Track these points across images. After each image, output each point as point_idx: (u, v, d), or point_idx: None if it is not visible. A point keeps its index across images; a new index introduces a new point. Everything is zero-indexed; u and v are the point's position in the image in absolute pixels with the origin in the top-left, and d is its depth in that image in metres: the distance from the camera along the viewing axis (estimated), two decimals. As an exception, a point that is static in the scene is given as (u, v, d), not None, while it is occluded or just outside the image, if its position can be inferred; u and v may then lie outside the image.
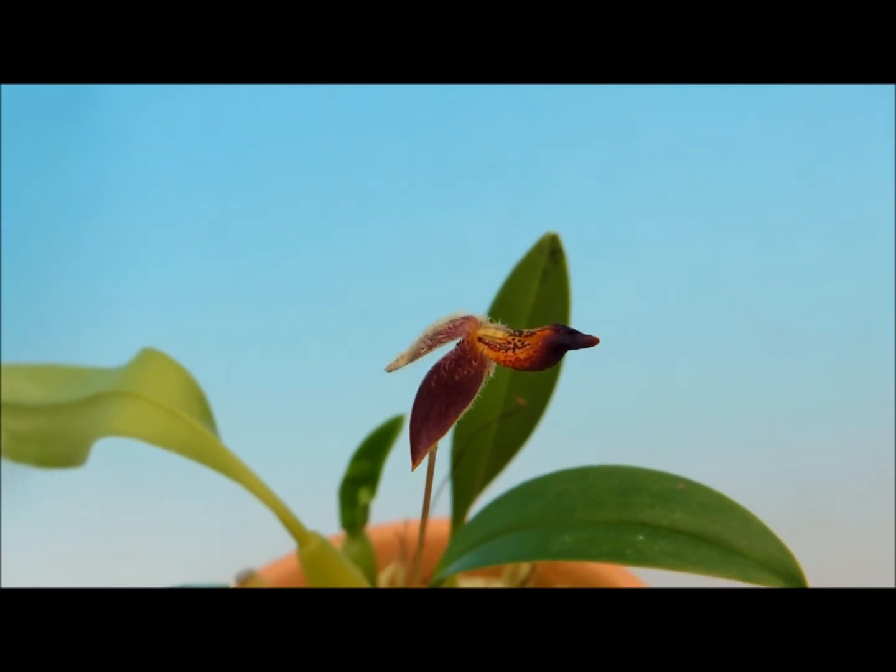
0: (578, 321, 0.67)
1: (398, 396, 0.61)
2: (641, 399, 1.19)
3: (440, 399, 0.45)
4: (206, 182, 1.57)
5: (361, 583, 0.70)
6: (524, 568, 0.87)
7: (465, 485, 0.72)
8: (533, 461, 0.71)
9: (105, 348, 1.24)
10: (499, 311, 0.68)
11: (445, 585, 0.78)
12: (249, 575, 0.71)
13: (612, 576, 0.83)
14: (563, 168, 1.49)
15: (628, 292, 1.32)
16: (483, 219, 1.42)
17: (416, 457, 0.45)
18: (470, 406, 0.45)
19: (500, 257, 0.70)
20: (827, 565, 0.97)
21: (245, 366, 1.28)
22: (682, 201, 1.46)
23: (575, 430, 1.03)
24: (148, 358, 0.70)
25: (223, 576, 0.72)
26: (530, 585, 0.87)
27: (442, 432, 0.45)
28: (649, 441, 1.11)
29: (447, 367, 0.45)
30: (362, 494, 0.74)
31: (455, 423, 0.70)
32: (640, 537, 0.52)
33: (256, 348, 1.31)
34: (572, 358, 0.68)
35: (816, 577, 0.89)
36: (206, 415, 0.69)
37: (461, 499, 0.73)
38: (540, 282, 0.67)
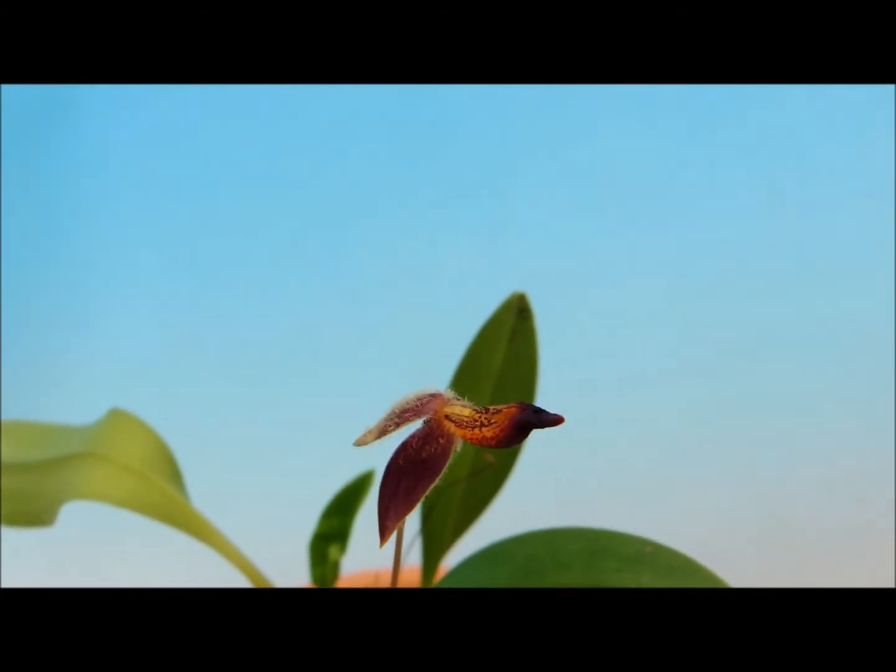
0: (546, 379, 0.68)
1: (367, 453, 0.61)
2: (614, 448, 1.20)
3: (408, 476, 0.45)
4: (181, 232, 1.55)
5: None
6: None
7: (435, 539, 0.72)
8: (502, 516, 0.71)
9: (71, 402, 1.24)
10: (468, 368, 0.69)
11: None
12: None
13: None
14: (538, 197, 1.49)
15: (598, 342, 1.33)
16: (457, 260, 1.41)
17: (384, 533, 0.45)
18: (437, 480, 0.46)
19: (472, 303, 0.71)
20: (826, 565, 0.98)
21: (213, 423, 1.27)
22: (668, 222, 1.45)
23: (543, 486, 1.04)
24: (116, 418, 0.70)
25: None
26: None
27: (409, 508, 0.45)
28: (621, 492, 1.12)
29: (414, 445, 0.45)
30: (332, 551, 0.74)
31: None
32: (608, 603, 0.52)
33: (224, 405, 1.30)
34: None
35: (815, 576, 0.91)
36: (175, 476, 0.69)
37: (431, 552, 0.73)
38: (508, 340, 0.67)
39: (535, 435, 0.69)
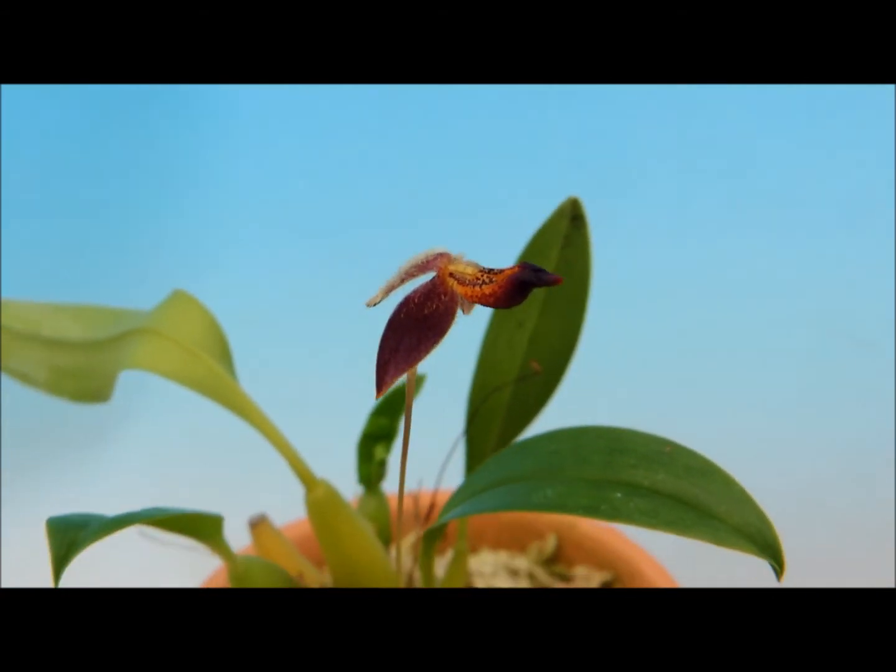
0: (600, 288, 0.68)
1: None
2: (663, 371, 1.19)
3: (410, 332, 0.45)
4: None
5: (368, 535, 0.70)
6: (549, 545, 0.87)
7: (478, 446, 0.72)
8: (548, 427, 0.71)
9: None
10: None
11: (457, 555, 0.78)
12: (261, 519, 0.73)
13: (632, 555, 0.83)
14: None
15: (653, 261, 1.32)
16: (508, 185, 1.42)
17: (381, 387, 0.45)
18: (441, 341, 0.46)
19: (524, 222, 0.70)
20: (826, 565, 0.96)
21: (272, 319, 1.30)
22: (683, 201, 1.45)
23: (593, 397, 1.02)
24: (176, 300, 0.72)
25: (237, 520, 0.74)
26: (556, 564, 0.87)
27: (410, 365, 0.45)
28: (669, 408, 1.11)
29: (416, 300, 0.45)
30: (378, 450, 0.75)
31: (470, 384, 0.71)
32: (618, 494, 0.52)
33: (285, 302, 1.34)
34: (591, 327, 0.68)
35: (816, 576, 0.88)
36: (225, 357, 0.70)
37: (474, 459, 0.73)
38: (561, 246, 0.67)
39: (584, 347, 0.69)
